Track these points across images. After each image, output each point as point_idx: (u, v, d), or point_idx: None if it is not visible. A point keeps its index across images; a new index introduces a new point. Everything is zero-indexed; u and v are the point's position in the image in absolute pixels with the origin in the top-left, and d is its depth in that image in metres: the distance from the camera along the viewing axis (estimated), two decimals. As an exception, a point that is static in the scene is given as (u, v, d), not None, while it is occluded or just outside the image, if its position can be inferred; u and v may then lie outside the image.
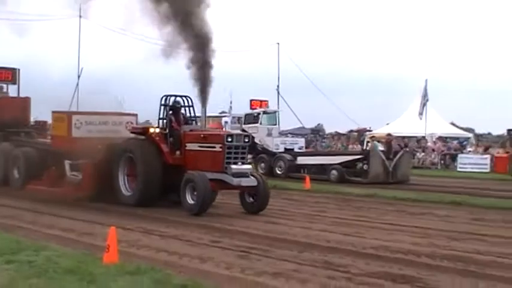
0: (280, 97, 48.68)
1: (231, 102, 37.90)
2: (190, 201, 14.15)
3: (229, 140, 14.48)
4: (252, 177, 14.65)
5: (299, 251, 10.13)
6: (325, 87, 54.93)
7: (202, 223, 13.07)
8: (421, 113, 41.26)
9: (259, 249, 10.26)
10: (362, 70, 76.03)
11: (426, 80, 42.56)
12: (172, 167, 15.04)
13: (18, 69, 25.78)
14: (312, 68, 64.01)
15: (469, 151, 39.35)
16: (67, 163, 16.77)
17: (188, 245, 10.82)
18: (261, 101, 35.07)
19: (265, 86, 52.01)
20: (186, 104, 16.33)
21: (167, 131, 15.60)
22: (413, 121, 42.15)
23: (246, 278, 8.13)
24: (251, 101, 33.25)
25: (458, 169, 35.28)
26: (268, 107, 34.19)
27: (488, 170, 34.01)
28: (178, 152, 15.40)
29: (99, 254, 8.61)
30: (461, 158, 36.66)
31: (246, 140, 15.15)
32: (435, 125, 42.59)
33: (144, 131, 15.95)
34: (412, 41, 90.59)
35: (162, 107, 15.97)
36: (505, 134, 38.67)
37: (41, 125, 22.69)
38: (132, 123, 17.63)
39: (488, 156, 36.32)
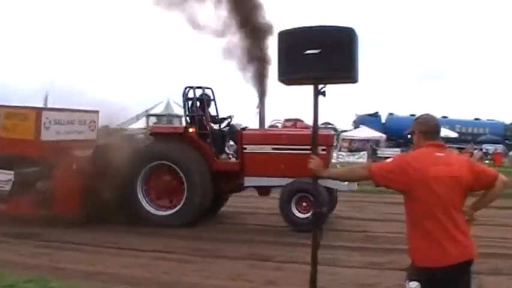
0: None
1: None
2: (299, 214, 11.00)
3: (331, 142, 12.09)
4: None
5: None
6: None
7: None
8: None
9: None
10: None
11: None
12: (215, 175, 11.63)
13: None
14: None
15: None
16: None
17: None
18: None
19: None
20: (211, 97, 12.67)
21: (208, 130, 12.03)
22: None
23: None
24: None
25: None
26: None
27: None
28: (224, 156, 12.31)
29: None
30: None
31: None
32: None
33: (184, 131, 11.83)
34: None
35: (190, 102, 12.18)
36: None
37: None
38: (95, 122, 13.37)
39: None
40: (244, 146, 11.58)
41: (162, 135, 12.05)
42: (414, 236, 3.83)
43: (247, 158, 11.47)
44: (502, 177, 3.89)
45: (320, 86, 4.33)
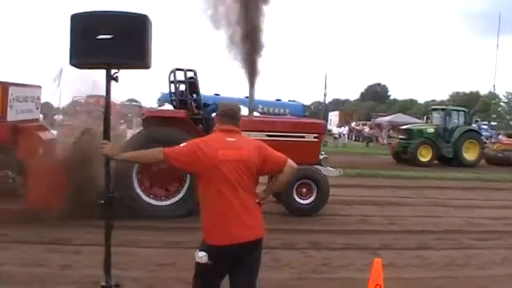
0: None
1: None
2: (301, 201, 11.52)
3: (323, 129, 12.66)
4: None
5: None
6: None
7: None
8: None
9: None
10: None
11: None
12: None
13: None
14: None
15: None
16: None
17: None
18: None
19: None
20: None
21: (201, 114, 11.63)
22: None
23: None
24: None
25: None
26: None
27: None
28: None
29: None
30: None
31: None
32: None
33: (185, 115, 11.20)
34: None
35: (173, 84, 11.76)
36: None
37: None
38: (40, 98, 11.57)
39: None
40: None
41: (158, 119, 11.22)
42: (205, 216, 4.15)
43: None
44: (290, 162, 4.31)
45: (113, 71, 4.46)
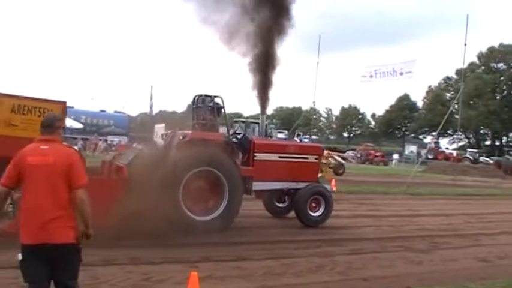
0: None
1: None
2: (312, 213, 13.60)
3: (322, 152, 15.13)
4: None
5: None
6: None
7: None
8: None
9: None
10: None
11: None
12: None
13: None
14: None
15: None
16: None
17: None
18: None
19: None
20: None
21: (229, 138, 12.90)
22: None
23: None
24: None
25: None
26: None
27: None
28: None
29: None
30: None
31: None
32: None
33: (224, 137, 12.66)
34: None
35: (200, 109, 12.99)
36: None
37: None
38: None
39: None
40: (255, 154, 12.98)
41: (202, 141, 11.96)
42: (19, 214, 4.57)
43: (257, 164, 12.95)
44: (83, 193, 4.61)
45: None
